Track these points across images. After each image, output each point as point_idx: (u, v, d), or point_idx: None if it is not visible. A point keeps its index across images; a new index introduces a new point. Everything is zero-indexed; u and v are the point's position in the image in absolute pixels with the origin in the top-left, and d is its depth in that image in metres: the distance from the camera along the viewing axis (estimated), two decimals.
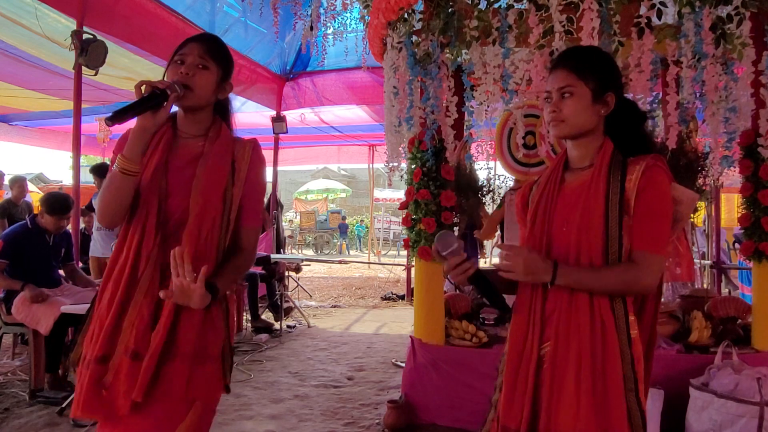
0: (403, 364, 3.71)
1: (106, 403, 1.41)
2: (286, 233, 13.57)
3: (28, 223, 3.99)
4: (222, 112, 1.62)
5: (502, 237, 4.46)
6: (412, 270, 4.65)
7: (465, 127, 3.79)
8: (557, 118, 1.44)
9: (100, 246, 5.44)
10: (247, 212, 1.58)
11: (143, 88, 1.40)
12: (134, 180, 1.44)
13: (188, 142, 1.55)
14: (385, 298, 8.45)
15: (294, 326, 6.27)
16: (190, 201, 1.47)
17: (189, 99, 1.49)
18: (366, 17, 3.73)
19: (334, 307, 7.88)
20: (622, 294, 1.38)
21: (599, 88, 1.43)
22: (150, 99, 1.39)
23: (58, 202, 4.00)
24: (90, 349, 1.45)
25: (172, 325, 1.44)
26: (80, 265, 5.00)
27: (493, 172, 5.37)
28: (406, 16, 3.19)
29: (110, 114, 1.36)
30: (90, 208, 5.78)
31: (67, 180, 13.20)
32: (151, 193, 1.47)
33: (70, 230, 4.34)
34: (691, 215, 3.72)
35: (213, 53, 1.53)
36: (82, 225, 5.91)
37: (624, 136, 1.48)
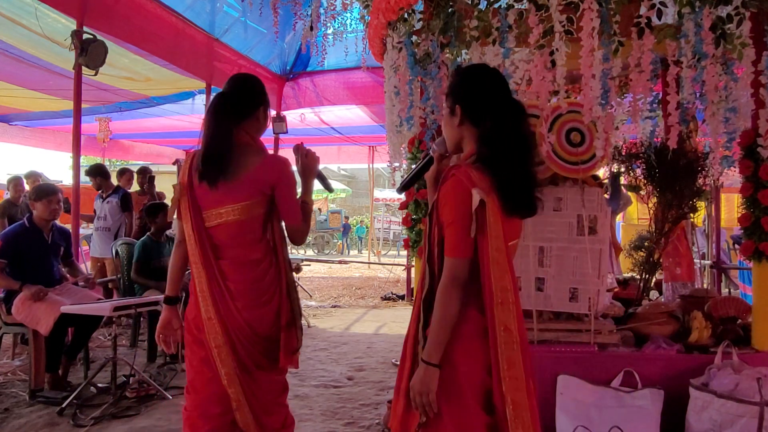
0: None
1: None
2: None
3: (26, 222, 3.99)
4: None
5: None
6: (412, 270, 4.64)
7: None
8: None
9: (99, 246, 5.45)
10: None
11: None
12: None
13: None
14: (385, 298, 8.45)
15: None
16: None
17: None
18: (366, 17, 3.72)
19: (334, 307, 7.88)
20: None
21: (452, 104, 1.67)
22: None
23: (42, 188, 4.09)
24: None
25: None
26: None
27: None
28: (406, 16, 3.19)
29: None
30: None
31: (67, 180, 13.19)
32: None
33: (70, 229, 4.34)
34: (691, 215, 3.71)
35: None
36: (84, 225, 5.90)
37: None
